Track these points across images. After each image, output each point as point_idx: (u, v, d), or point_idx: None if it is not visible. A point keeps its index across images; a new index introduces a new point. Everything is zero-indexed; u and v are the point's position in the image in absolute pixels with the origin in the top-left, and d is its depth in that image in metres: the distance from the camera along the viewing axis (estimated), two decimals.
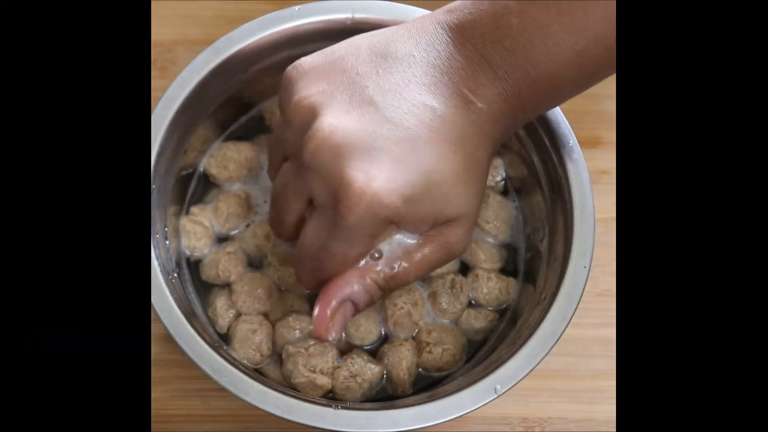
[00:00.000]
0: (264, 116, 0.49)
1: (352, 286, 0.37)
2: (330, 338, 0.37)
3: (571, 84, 0.36)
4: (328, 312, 0.37)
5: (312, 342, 0.43)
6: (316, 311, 0.37)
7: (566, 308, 0.39)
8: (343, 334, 0.44)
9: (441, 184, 0.35)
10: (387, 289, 0.38)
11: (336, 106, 0.35)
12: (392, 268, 0.37)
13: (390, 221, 0.35)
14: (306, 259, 0.38)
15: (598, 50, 0.34)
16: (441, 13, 0.37)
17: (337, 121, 0.34)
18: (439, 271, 0.45)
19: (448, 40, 0.35)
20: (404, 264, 0.37)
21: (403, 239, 0.37)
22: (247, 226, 0.46)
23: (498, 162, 0.48)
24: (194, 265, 0.46)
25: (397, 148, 0.34)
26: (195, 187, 0.48)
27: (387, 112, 0.34)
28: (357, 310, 0.38)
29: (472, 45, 0.35)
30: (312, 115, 0.35)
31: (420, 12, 0.44)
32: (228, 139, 0.49)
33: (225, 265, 0.45)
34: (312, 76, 0.36)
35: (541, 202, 0.45)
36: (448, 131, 0.35)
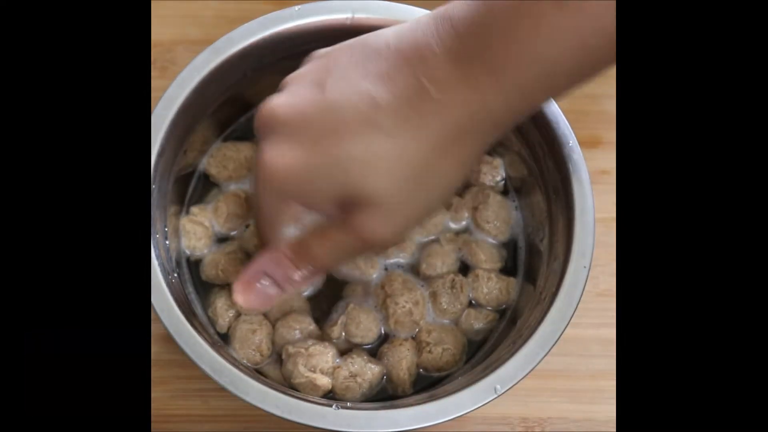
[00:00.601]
0: None
1: (264, 259, 0.39)
2: (241, 303, 0.40)
3: (567, 74, 0.33)
4: (244, 277, 0.40)
5: (312, 342, 0.43)
6: (236, 284, 0.40)
7: (566, 308, 0.39)
8: (343, 333, 0.44)
9: (352, 162, 0.34)
10: (299, 266, 0.38)
11: (295, 86, 0.36)
12: (301, 244, 0.38)
13: (290, 197, 0.37)
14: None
15: (596, 40, 0.31)
16: (442, 7, 0.35)
17: (285, 98, 0.36)
18: (439, 271, 0.46)
19: (433, 29, 0.34)
20: (313, 242, 0.38)
21: (317, 220, 0.39)
22: (247, 226, 0.46)
23: (498, 162, 0.48)
24: (194, 265, 0.46)
25: (319, 130, 0.34)
26: (195, 187, 0.48)
27: (329, 95, 0.35)
28: (276, 283, 0.39)
29: (455, 31, 0.33)
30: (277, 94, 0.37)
31: (420, 12, 0.44)
32: (228, 139, 0.49)
33: (225, 265, 0.45)
34: (307, 62, 0.38)
35: (541, 202, 0.45)
36: (383, 121, 0.33)
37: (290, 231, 0.40)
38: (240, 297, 0.40)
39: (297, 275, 0.39)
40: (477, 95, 0.33)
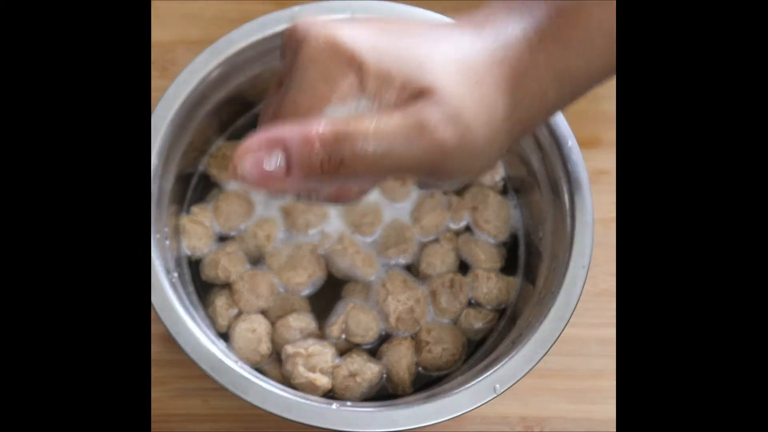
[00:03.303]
0: None
1: (290, 129, 0.30)
2: (238, 173, 0.30)
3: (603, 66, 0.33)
4: (256, 141, 0.30)
5: (311, 342, 0.43)
6: (242, 146, 0.30)
7: (565, 308, 0.39)
8: (343, 334, 0.44)
9: (419, 48, 0.31)
10: (332, 157, 0.30)
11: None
12: (345, 126, 0.30)
13: (349, 64, 0.30)
14: (262, 126, 0.33)
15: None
16: None
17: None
18: (438, 270, 0.46)
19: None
20: (360, 126, 0.30)
21: (368, 105, 0.31)
22: (247, 226, 0.47)
23: (498, 162, 0.48)
24: (194, 265, 0.46)
25: (389, 24, 0.32)
26: (195, 187, 0.48)
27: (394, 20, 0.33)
28: (290, 166, 0.30)
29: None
30: None
31: (420, 12, 0.44)
32: (228, 138, 0.49)
33: (225, 264, 0.45)
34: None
35: (540, 202, 0.45)
36: (444, 37, 0.32)
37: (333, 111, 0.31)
38: (239, 161, 0.30)
39: (321, 168, 0.30)
40: (526, 45, 0.32)
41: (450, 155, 0.31)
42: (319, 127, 0.30)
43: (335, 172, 0.30)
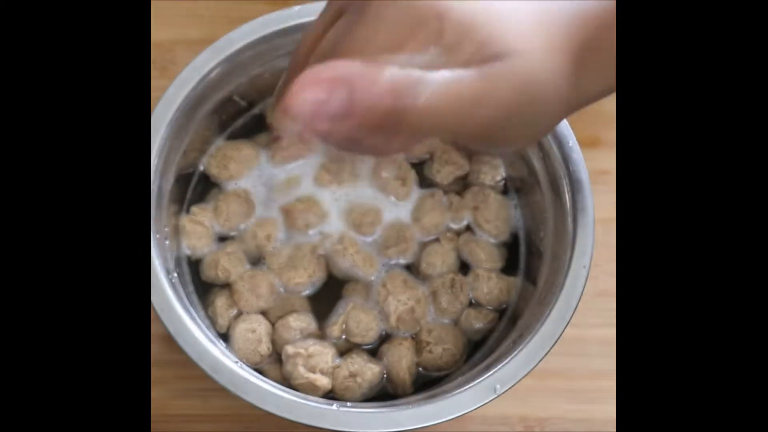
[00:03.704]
0: (265, 115, 0.49)
1: (358, 67, 0.28)
2: (293, 110, 0.27)
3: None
4: (313, 79, 0.27)
5: (311, 342, 0.43)
6: (304, 76, 0.28)
7: (566, 308, 0.39)
8: (343, 335, 0.44)
9: (501, 12, 0.29)
10: (397, 102, 0.28)
11: None
12: (417, 76, 0.28)
13: (433, 8, 0.28)
14: (312, 61, 0.30)
15: None
16: None
17: None
18: (439, 270, 0.46)
19: None
20: (432, 78, 0.28)
21: (441, 60, 0.28)
22: (247, 225, 0.47)
23: (498, 162, 0.48)
24: (194, 265, 0.46)
25: None
26: (195, 187, 0.48)
27: None
28: (350, 111, 0.28)
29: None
30: None
31: None
32: (228, 138, 0.49)
33: (225, 265, 0.45)
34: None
35: (541, 201, 0.45)
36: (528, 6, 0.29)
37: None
38: (296, 97, 0.27)
39: (383, 116, 0.28)
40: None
41: (513, 125, 0.30)
42: (390, 71, 0.27)
43: (396, 123, 0.28)
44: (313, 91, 0.27)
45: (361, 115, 0.28)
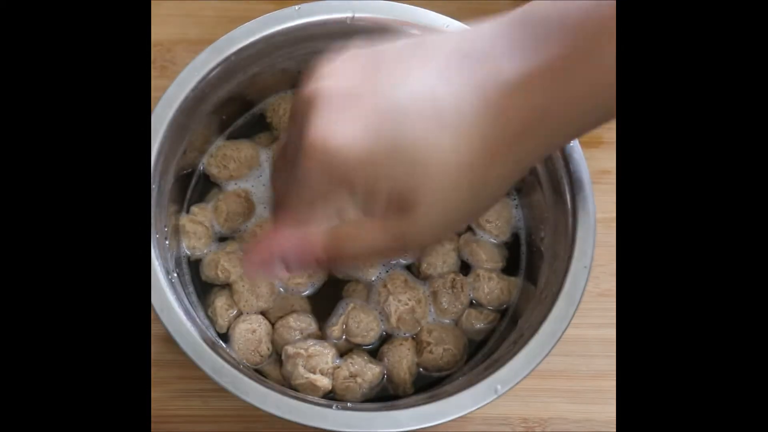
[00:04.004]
0: (265, 114, 0.49)
1: (286, 242, 0.36)
2: (249, 277, 0.43)
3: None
4: (258, 257, 0.37)
5: (312, 342, 0.43)
6: (249, 255, 0.38)
7: (567, 308, 0.39)
8: (343, 335, 0.44)
9: (414, 158, 0.32)
10: (324, 256, 0.35)
11: (345, 65, 0.33)
12: (335, 237, 0.34)
13: (341, 183, 0.33)
14: (275, 200, 0.39)
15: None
16: (509, 13, 0.33)
17: (335, 79, 0.33)
18: (439, 270, 0.45)
19: (501, 27, 0.32)
20: (348, 237, 0.34)
21: (358, 213, 0.34)
22: (247, 226, 0.46)
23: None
24: (194, 265, 0.46)
25: (380, 115, 0.32)
26: (195, 187, 0.48)
27: (385, 80, 0.32)
28: (289, 268, 0.36)
29: (524, 26, 0.32)
30: (318, 70, 0.34)
31: (421, 12, 0.44)
32: (228, 138, 0.49)
33: (225, 265, 0.45)
34: (337, 56, 0.35)
35: (542, 201, 0.45)
36: (444, 117, 0.31)
37: (327, 220, 0.35)
38: (250, 271, 0.42)
39: (316, 264, 0.36)
40: (540, 99, 0.31)
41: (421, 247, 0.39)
42: (314, 240, 0.35)
43: (325, 268, 0.40)
44: (261, 262, 0.36)
45: (298, 271, 0.40)
